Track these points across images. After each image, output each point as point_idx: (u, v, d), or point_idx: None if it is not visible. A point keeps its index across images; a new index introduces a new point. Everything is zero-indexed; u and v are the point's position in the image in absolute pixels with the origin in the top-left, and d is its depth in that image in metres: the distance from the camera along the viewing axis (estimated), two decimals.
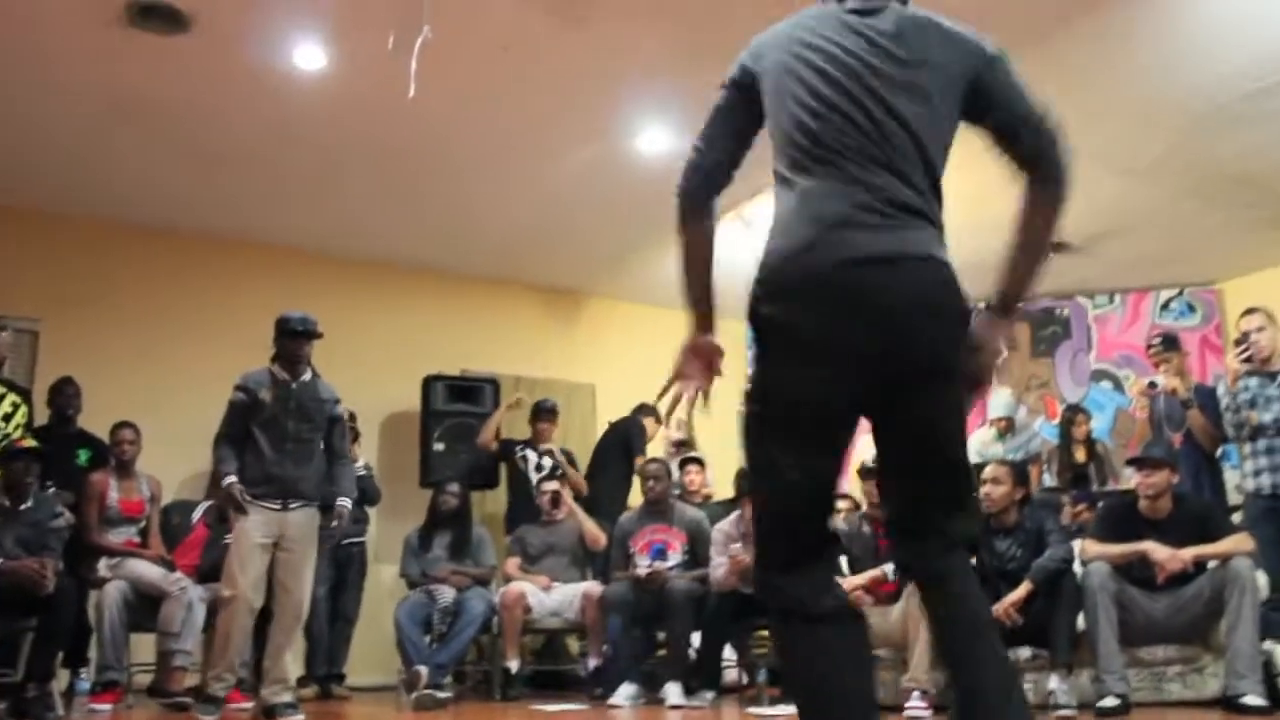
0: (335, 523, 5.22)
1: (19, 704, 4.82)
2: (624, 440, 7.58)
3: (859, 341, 1.88)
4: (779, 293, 1.96)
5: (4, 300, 6.60)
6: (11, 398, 5.91)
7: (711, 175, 2.12)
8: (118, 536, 5.91)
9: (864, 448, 8.02)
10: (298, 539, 5.04)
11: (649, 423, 7.56)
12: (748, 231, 7.29)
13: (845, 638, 1.95)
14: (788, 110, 2.01)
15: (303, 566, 5.07)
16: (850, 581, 5.19)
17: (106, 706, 5.37)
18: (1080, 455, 7.13)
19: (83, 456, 6.18)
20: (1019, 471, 5.42)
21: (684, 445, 7.58)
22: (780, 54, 2.06)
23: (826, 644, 1.93)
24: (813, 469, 1.98)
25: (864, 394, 1.93)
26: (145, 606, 5.63)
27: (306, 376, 5.24)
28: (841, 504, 6.65)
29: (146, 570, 5.72)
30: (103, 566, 5.78)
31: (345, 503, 5.26)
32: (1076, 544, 5.14)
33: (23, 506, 5.18)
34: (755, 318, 2.00)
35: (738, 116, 2.13)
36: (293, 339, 5.18)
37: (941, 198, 2.03)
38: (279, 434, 5.07)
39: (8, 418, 5.85)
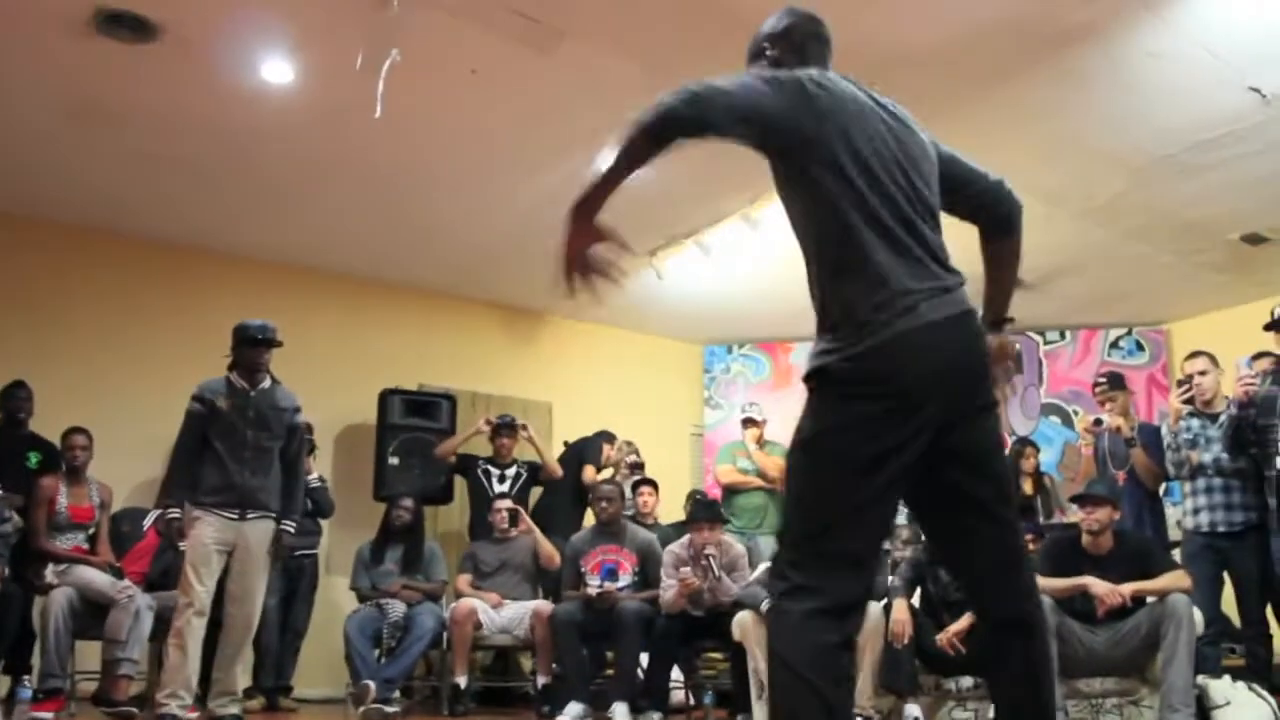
0: (272, 547, 5.15)
1: None
2: (579, 460, 7.64)
3: None
4: None
5: None
6: None
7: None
8: (66, 542, 5.86)
9: None
10: (253, 550, 5.01)
11: (606, 447, 7.64)
12: (705, 257, 7.41)
13: None
14: None
15: (256, 577, 5.05)
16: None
17: (48, 715, 5.32)
18: (1028, 488, 7.26)
19: (33, 460, 6.13)
20: None
21: (639, 468, 7.66)
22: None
23: None
24: None
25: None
26: (92, 614, 5.57)
27: (265, 384, 5.22)
28: None
29: (94, 577, 5.67)
30: (50, 572, 5.72)
31: (289, 527, 5.23)
32: None
33: None
34: None
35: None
36: (252, 347, 5.17)
37: None
38: (238, 443, 5.05)
39: None
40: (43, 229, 7.16)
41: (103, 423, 6.26)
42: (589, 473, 7.51)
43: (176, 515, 4.90)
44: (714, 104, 2.07)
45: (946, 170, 2.29)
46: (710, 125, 2.09)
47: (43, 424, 6.26)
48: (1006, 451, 2.32)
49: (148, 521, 6.29)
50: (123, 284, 7.39)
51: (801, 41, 2.39)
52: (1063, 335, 9.15)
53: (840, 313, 2.11)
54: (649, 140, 2.07)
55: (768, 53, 2.40)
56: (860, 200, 2.11)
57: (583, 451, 7.71)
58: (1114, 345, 9.05)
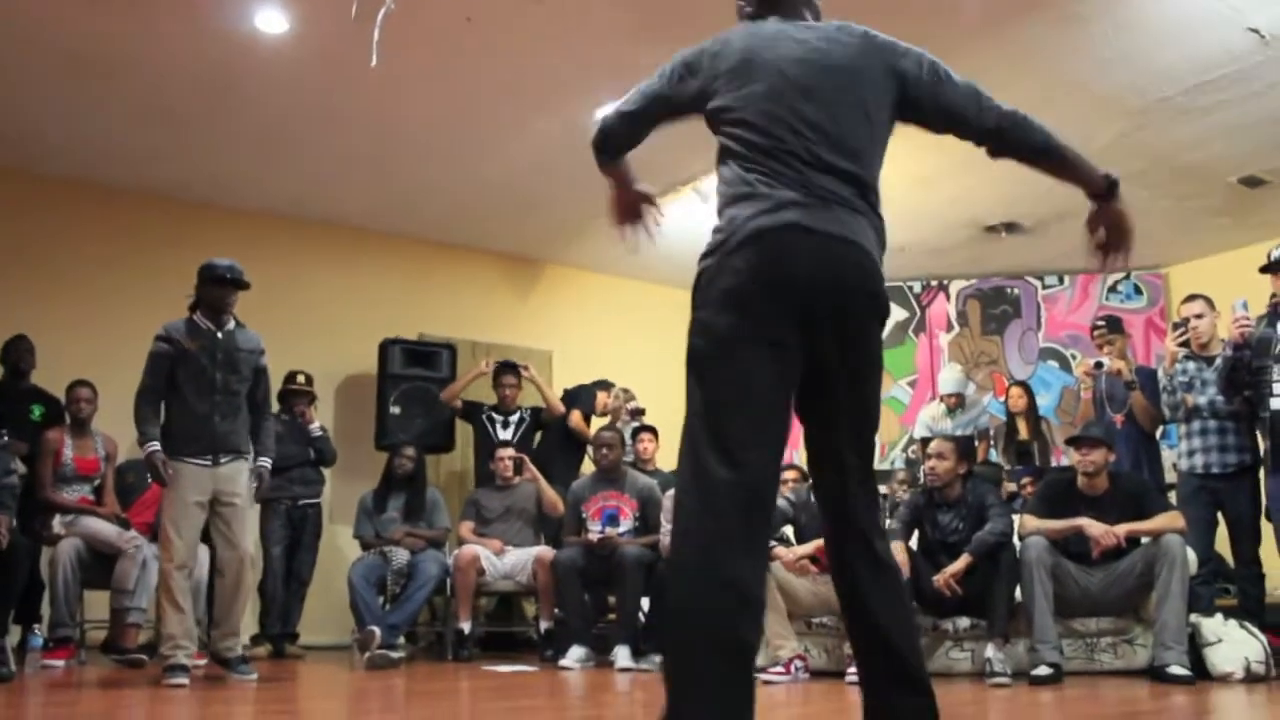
0: (256, 485, 5.09)
1: None
2: (570, 407, 7.69)
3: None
4: None
5: None
6: None
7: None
8: (72, 494, 5.93)
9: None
10: (233, 493, 4.91)
11: (601, 394, 7.69)
12: (704, 204, 7.40)
13: None
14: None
15: (242, 518, 4.96)
16: (797, 550, 5.32)
17: (59, 662, 5.43)
18: (1024, 431, 7.31)
19: (36, 412, 6.17)
20: (963, 446, 5.56)
21: (640, 413, 7.70)
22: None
23: None
24: None
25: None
26: (99, 564, 5.67)
27: (230, 326, 5.06)
28: (789, 474, 6.78)
29: (101, 528, 5.75)
30: (57, 523, 5.80)
31: (266, 463, 5.16)
32: (1016, 518, 5.30)
33: None
34: None
35: None
36: (219, 286, 4.99)
37: None
38: (206, 385, 4.90)
39: None
40: (41, 183, 7.15)
41: (107, 375, 6.28)
42: (574, 418, 7.58)
43: (157, 449, 4.75)
44: (615, 126, 2.40)
45: (930, 105, 2.26)
46: (623, 136, 2.42)
47: (46, 377, 6.30)
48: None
49: None
50: (122, 237, 7.39)
51: None
52: (1060, 280, 9.16)
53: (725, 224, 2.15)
54: (599, 156, 2.46)
55: (740, 3, 2.46)
56: (751, 146, 2.16)
57: (575, 398, 7.78)
58: (1112, 289, 9.07)
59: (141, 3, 5.13)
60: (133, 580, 5.51)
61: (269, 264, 7.83)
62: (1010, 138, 2.28)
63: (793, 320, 2.05)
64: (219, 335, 5.00)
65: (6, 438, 5.55)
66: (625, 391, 7.79)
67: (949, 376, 8.02)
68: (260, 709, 4.10)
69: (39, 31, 5.43)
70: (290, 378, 6.95)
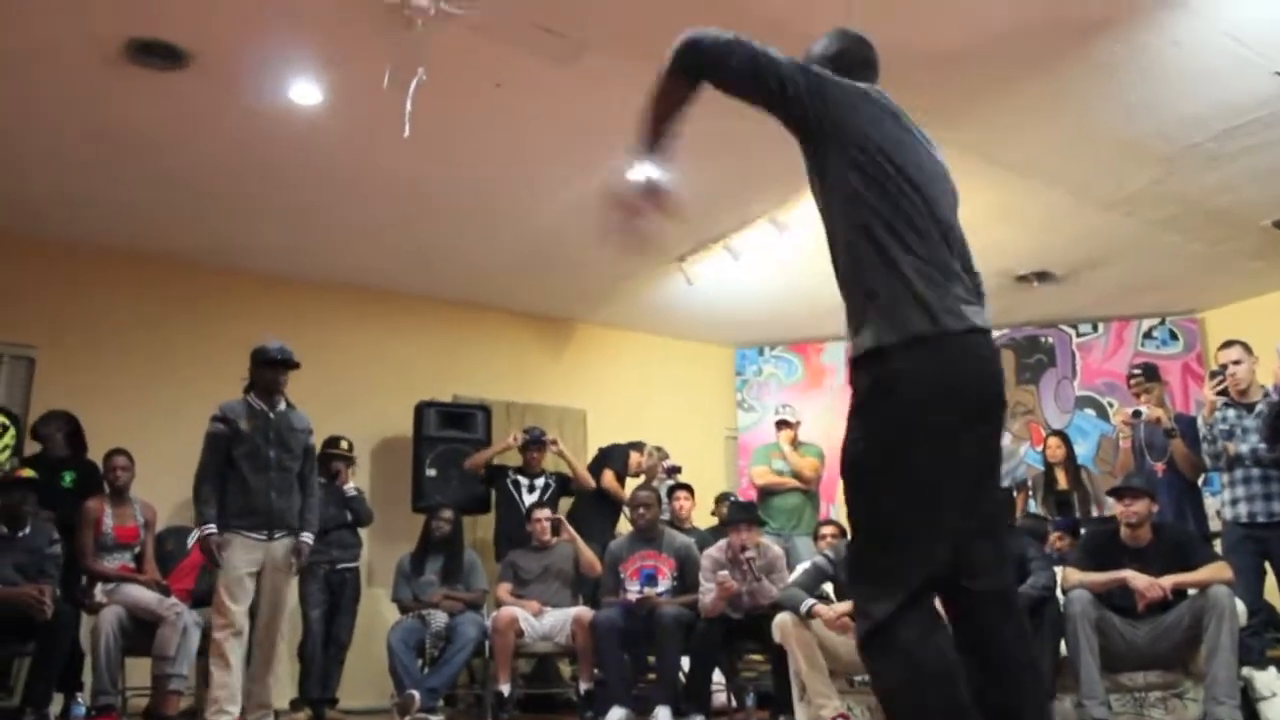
0: (294, 560, 5.27)
1: None
2: (601, 468, 7.68)
3: None
4: None
5: (1, 327, 6.65)
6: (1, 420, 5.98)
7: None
8: (113, 562, 5.97)
9: None
10: (280, 568, 5.15)
11: (634, 455, 7.69)
12: (735, 261, 7.43)
13: None
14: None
15: (283, 592, 5.19)
16: (838, 608, 5.26)
17: None
18: (1063, 481, 7.23)
19: (67, 479, 6.22)
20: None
21: (676, 471, 7.70)
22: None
23: None
24: None
25: None
26: (140, 631, 5.68)
27: (282, 406, 5.32)
28: (828, 529, 6.73)
29: (142, 595, 5.78)
30: (99, 592, 5.84)
31: (308, 538, 5.34)
32: (1058, 571, 5.23)
33: (20, 534, 5.24)
34: None
35: None
36: (271, 368, 5.26)
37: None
38: (261, 463, 5.14)
39: None
40: (82, 253, 7.29)
41: (145, 442, 6.36)
42: (607, 478, 7.56)
43: (213, 531, 5.00)
44: (734, 57, 2.18)
45: None
46: (731, 73, 2.20)
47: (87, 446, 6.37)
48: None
49: (192, 539, 6.36)
50: (161, 305, 7.50)
51: (849, 66, 2.44)
52: (1095, 327, 9.11)
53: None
54: (682, 73, 2.22)
55: (826, 53, 2.50)
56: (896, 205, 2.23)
57: (608, 457, 7.77)
58: (1147, 335, 9.00)
59: (177, 78, 5.23)
60: (174, 647, 5.53)
61: (305, 329, 7.94)
62: None
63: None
64: (272, 415, 5.24)
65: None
66: (659, 450, 7.79)
67: None
68: None
69: (73, 107, 5.55)
70: (333, 442, 6.96)
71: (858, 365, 2.21)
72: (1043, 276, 8.12)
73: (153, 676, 5.67)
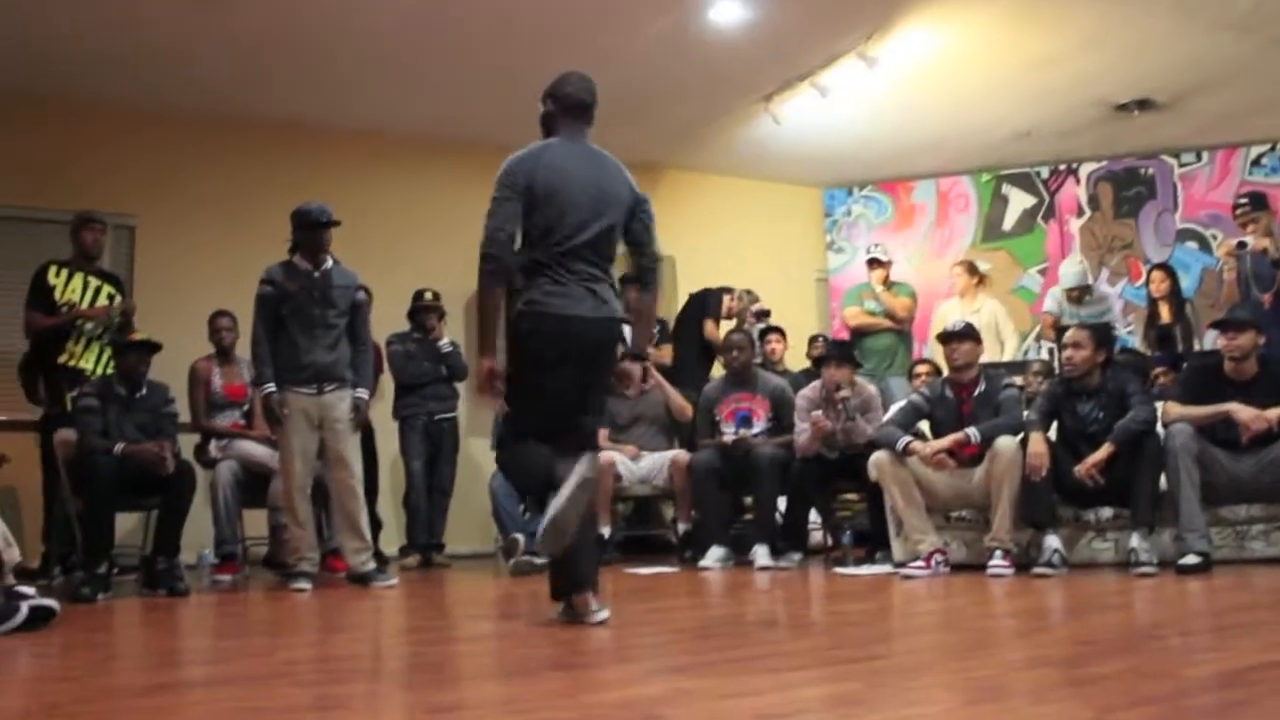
0: (352, 415, 5.38)
1: (150, 576, 5.16)
2: (700, 314, 7.67)
3: None
4: None
5: (103, 197, 6.77)
6: (108, 289, 6.14)
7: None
8: (224, 419, 6.19)
9: (948, 312, 7.96)
10: (338, 418, 5.30)
11: (725, 298, 7.63)
12: (822, 99, 7.26)
13: None
14: None
15: (345, 444, 5.33)
16: (934, 444, 5.27)
17: (227, 577, 5.73)
18: (1165, 315, 7.08)
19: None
20: (1101, 334, 5.40)
21: (765, 314, 7.67)
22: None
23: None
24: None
25: None
26: (255, 484, 5.94)
27: (328, 265, 5.40)
28: (922, 368, 6.71)
29: (254, 449, 6.00)
30: (213, 448, 6.08)
31: (364, 394, 5.47)
32: (1159, 405, 5.16)
33: (138, 394, 5.43)
34: None
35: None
36: (314, 230, 5.33)
37: None
38: (308, 322, 5.27)
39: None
40: (177, 120, 7.40)
41: (238, 308, 6.49)
42: (709, 327, 7.53)
43: (273, 390, 5.18)
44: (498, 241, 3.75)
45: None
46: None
47: (187, 309, 6.57)
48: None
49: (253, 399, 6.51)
50: (256, 168, 7.58)
51: (566, 107, 4.00)
52: (1199, 156, 8.76)
53: None
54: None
55: (544, 103, 4.02)
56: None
57: (703, 304, 7.74)
58: (1255, 163, 8.63)
59: None
60: None
61: (397, 183, 8.00)
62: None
63: None
64: (316, 275, 5.34)
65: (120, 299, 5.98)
66: (749, 293, 7.75)
67: (1069, 270, 7.78)
68: (412, 604, 4.28)
69: None
70: (419, 295, 7.01)
71: None
72: (1143, 104, 7.80)
73: (269, 526, 5.94)
